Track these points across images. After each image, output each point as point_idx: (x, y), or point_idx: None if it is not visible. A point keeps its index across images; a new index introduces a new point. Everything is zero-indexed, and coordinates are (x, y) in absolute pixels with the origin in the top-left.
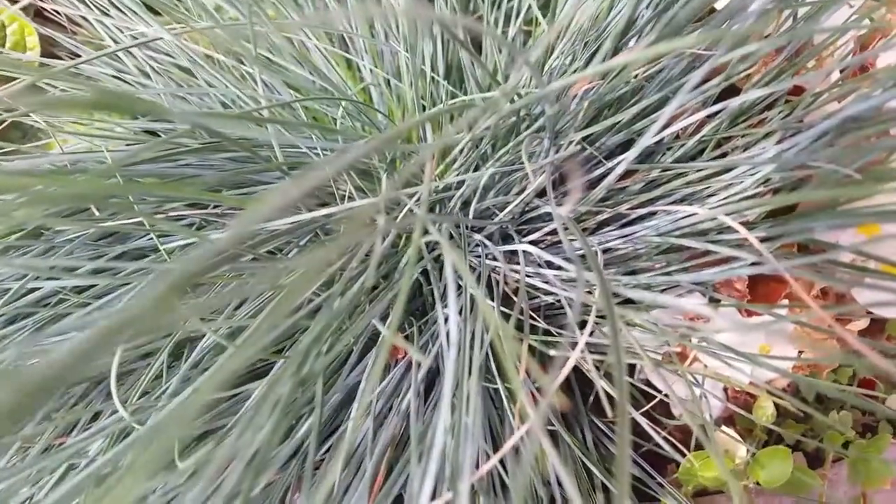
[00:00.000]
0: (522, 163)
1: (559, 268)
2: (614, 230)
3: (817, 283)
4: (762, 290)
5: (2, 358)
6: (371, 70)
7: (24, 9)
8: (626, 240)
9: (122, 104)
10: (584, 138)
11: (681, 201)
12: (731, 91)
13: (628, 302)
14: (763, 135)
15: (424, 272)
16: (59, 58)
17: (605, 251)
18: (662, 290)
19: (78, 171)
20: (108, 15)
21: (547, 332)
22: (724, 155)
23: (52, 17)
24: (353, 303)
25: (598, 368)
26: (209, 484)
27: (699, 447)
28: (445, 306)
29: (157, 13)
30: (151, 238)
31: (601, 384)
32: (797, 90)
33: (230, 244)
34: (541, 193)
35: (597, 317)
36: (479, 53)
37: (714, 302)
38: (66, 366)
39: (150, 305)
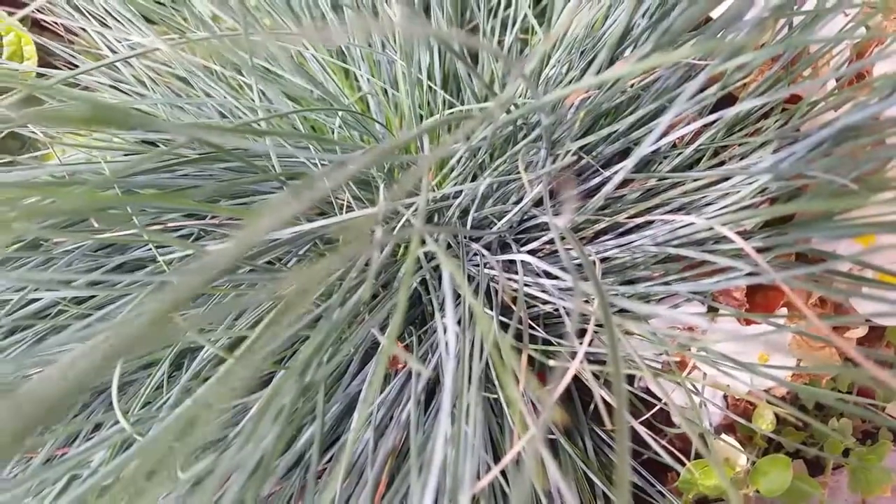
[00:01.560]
0: (519, 172)
1: (557, 277)
2: (612, 239)
3: (815, 292)
4: (761, 298)
5: (2, 370)
6: (368, 79)
7: (21, 19)
8: (623, 249)
9: (117, 119)
10: (580, 148)
11: (678, 210)
12: (728, 100)
13: (628, 310)
14: (760, 144)
15: (424, 281)
16: (57, 67)
17: (602, 260)
18: (661, 299)
19: (76, 182)
20: (105, 25)
21: (546, 342)
22: (721, 164)
23: (50, 27)
24: (352, 312)
25: (597, 377)
26: (212, 495)
27: (700, 455)
28: (444, 316)
29: (154, 23)
30: (150, 248)
31: (600, 393)
32: (794, 98)
33: (233, 258)
34: (538, 203)
35: (596, 325)
36: (476, 61)
37: (712, 311)
38: (71, 386)
39: (153, 322)
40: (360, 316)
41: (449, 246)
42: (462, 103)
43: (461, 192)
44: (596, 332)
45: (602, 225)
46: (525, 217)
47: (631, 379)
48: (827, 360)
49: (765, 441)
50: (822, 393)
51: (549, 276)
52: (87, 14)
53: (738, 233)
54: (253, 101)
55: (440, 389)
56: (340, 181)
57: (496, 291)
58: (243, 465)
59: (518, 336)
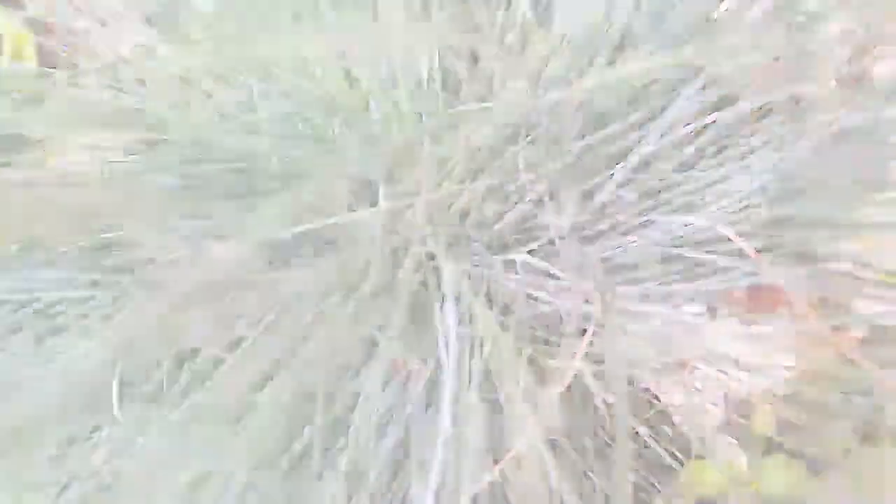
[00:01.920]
0: (520, 172)
1: (557, 277)
2: (612, 239)
3: (815, 292)
4: (763, 296)
5: (4, 370)
6: (368, 79)
7: (21, 19)
8: (624, 249)
9: (118, 119)
10: (580, 148)
11: (679, 210)
12: (728, 100)
13: (628, 310)
14: (760, 144)
15: (424, 281)
16: (57, 67)
17: (603, 260)
18: (661, 299)
19: (77, 183)
20: (105, 26)
21: (546, 342)
22: (721, 164)
23: (50, 27)
24: (352, 312)
25: (597, 378)
26: (212, 494)
27: (700, 455)
28: (445, 316)
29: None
30: (150, 248)
31: (600, 393)
32: (794, 98)
33: (237, 259)
34: (538, 203)
35: (596, 325)
36: (477, 60)
37: (713, 310)
38: (78, 386)
39: (156, 324)
40: (360, 315)
41: (449, 246)
42: (462, 103)
43: (461, 192)
44: (596, 332)
45: (602, 225)
46: (525, 217)
47: (631, 379)
48: (827, 360)
49: (765, 441)
50: (822, 393)
51: (550, 276)
52: (87, 15)
53: (738, 233)
54: (253, 100)
55: (440, 389)
56: (342, 183)
57: (496, 291)
58: (243, 465)
59: (518, 336)
